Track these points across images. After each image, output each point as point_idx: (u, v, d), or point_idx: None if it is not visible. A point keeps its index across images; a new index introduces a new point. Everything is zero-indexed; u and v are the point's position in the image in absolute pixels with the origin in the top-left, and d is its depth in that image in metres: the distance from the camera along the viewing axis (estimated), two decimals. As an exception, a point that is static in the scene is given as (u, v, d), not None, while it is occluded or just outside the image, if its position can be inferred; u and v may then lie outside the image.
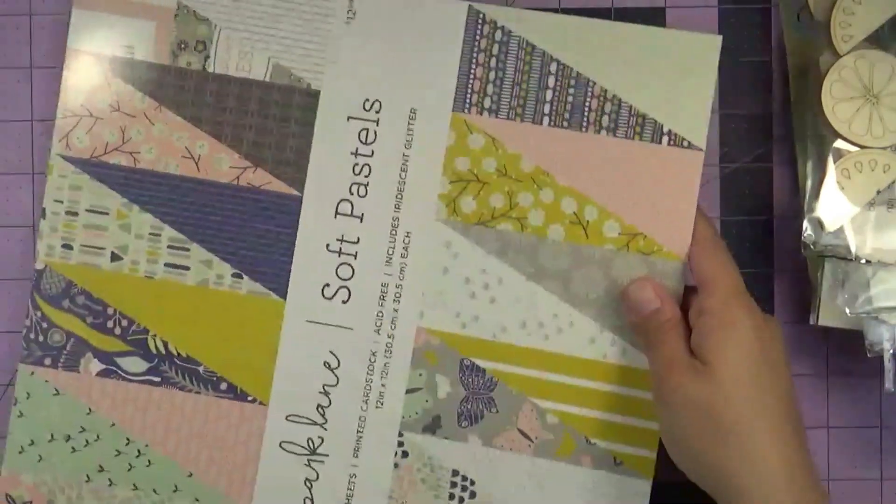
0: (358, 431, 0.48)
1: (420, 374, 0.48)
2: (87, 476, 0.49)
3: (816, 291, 0.48)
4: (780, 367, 0.43)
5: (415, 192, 0.48)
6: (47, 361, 0.49)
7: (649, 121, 0.47)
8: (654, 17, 0.51)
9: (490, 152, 0.48)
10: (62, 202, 0.49)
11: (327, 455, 0.48)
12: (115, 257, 0.49)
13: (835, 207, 0.47)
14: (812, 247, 0.47)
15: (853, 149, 0.48)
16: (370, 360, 0.48)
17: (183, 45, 0.49)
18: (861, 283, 0.47)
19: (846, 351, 0.51)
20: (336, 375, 0.48)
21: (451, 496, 0.48)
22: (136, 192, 0.49)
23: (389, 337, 0.48)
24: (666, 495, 0.48)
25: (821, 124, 0.48)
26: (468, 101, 0.48)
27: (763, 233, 0.50)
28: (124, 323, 0.49)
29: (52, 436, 0.49)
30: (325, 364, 0.48)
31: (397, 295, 0.48)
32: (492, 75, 0.48)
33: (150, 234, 0.49)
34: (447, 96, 0.48)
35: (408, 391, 0.48)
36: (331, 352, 0.48)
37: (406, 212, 0.48)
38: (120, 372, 0.49)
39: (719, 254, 0.45)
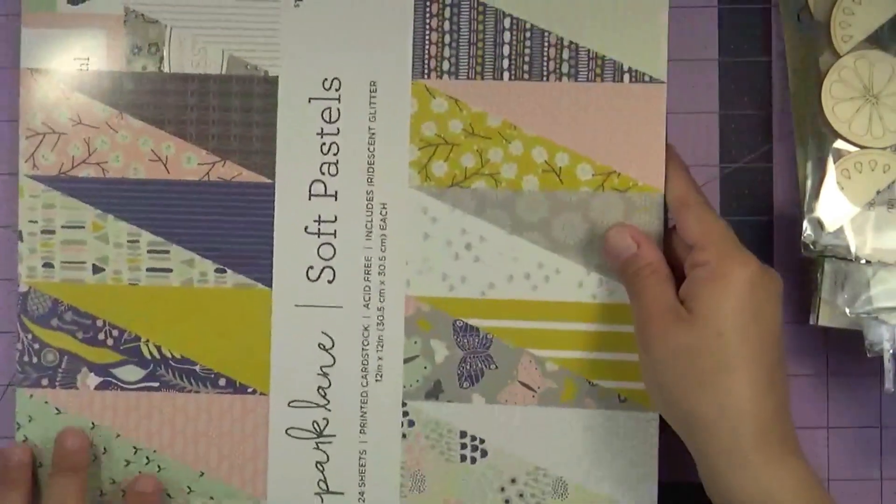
0: (361, 408, 0.48)
1: (415, 342, 0.48)
2: (101, 491, 0.49)
3: (816, 291, 0.47)
4: (770, 321, 0.42)
5: (385, 163, 0.48)
6: (44, 382, 0.49)
7: (608, 61, 0.47)
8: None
9: (455, 114, 0.48)
10: (37, 222, 0.49)
11: (334, 435, 0.48)
12: (96, 269, 0.49)
13: (835, 207, 0.47)
14: (812, 247, 0.47)
15: (853, 149, 0.48)
16: (363, 335, 0.48)
17: (136, 50, 0.49)
18: (861, 283, 0.47)
19: (846, 351, 0.50)
20: (332, 355, 0.48)
21: (463, 458, 0.48)
22: (108, 202, 0.49)
23: (379, 310, 0.48)
24: (668, 495, 0.48)
25: (821, 124, 0.48)
26: (426, 66, 0.48)
27: (763, 233, 0.50)
28: (115, 333, 0.49)
29: (59, 455, 0.49)
30: (319, 346, 0.48)
31: (381, 267, 0.48)
32: (447, 38, 0.48)
33: (129, 241, 0.49)
34: (405, 65, 0.48)
35: (405, 360, 0.48)
36: (323, 332, 0.48)
37: (379, 184, 0.48)
38: (117, 382, 0.49)
39: (706, 212, 0.44)
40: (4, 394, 0.51)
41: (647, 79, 0.47)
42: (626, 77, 0.47)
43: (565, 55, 0.48)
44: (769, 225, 0.51)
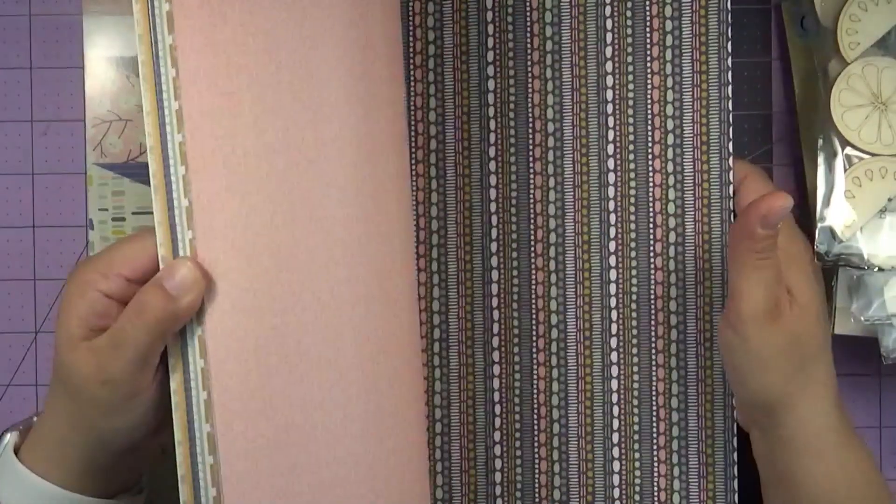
0: None
1: None
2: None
3: (831, 300, 0.47)
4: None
5: None
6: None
7: None
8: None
9: None
10: (107, 210, 0.49)
11: None
12: (169, 255, 0.49)
13: (846, 216, 0.46)
14: (825, 256, 0.46)
15: (863, 157, 0.47)
16: None
17: (198, 33, 0.48)
18: (875, 289, 0.46)
19: (845, 352, 0.49)
20: None
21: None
22: (178, 187, 0.49)
23: None
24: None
25: (830, 132, 0.47)
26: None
27: (764, 233, 0.50)
28: (190, 319, 0.49)
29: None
30: None
31: None
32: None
33: (200, 225, 0.49)
34: None
35: None
36: None
37: None
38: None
39: (766, 186, 0.44)
40: (5, 393, 0.51)
41: None
42: None
43: None
44: (769, 225, 0.50)
